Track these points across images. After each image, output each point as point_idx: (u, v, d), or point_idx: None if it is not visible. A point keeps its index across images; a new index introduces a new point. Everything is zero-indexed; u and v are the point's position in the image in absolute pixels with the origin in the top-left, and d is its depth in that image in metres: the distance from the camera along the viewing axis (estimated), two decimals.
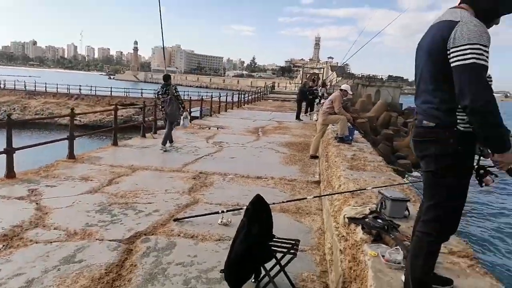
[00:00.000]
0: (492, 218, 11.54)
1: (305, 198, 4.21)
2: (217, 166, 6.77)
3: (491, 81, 1.73)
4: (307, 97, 16.59)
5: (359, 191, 3.72)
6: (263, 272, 2.49)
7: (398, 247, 2.37)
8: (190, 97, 15.78)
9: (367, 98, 34.35)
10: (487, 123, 1.57)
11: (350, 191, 3.73)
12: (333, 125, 7.98)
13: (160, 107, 8.44)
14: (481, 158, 1.82)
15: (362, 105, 31.70)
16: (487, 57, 1.59)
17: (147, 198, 4.78)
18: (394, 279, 2.06)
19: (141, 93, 36.27)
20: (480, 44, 1.57)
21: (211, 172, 6.25)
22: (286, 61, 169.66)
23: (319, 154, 7.59)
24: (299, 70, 77.16)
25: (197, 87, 79.06)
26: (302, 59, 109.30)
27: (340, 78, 43.68)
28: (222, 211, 3.94)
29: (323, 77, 39.95)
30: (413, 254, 1.82)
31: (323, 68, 60.31)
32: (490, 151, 1.69)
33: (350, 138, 7.20)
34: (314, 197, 4.14)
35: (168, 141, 8.23)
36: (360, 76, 51.26)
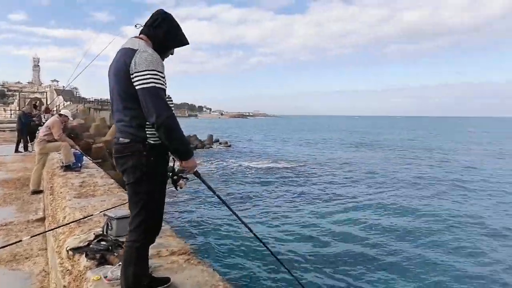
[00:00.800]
0: (204, 218, 13.18)
1: (21, 241, 3.57)
2: None
3: (171, 101, 2.04)
4: (28, 125, 14.30)
5: (86, 219, 3.53)
6: None
7: (120, 263, 2.42)
8: None
9: (101, 122, 33.17)
10: (171, 136, 1.82)
11: (76, 221, 3.48)
12: (59, 153, 7.23)
13: None
14: (176, 165, 2.13)
15: (97, 130, 30.33)
16: (164, 81, 1.86)
17: None
18: None
19: None
20: (157, 70, 1.82)
21: None
22: None
23: (42, 188, 6.66)
24: (16, 95, 65.70)
25: None
26: (18, 82, 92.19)
27: (68, 103, 40.24)
28: None
29: (47, 102, 35.54)
30: (125, 264, 1.90)
31: (46, 92, 54.28)
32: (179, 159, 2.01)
33: (79, 165, 6.78)
34: (31, 236, 3.57)
35: None
36: (92, 100, 49.20)
